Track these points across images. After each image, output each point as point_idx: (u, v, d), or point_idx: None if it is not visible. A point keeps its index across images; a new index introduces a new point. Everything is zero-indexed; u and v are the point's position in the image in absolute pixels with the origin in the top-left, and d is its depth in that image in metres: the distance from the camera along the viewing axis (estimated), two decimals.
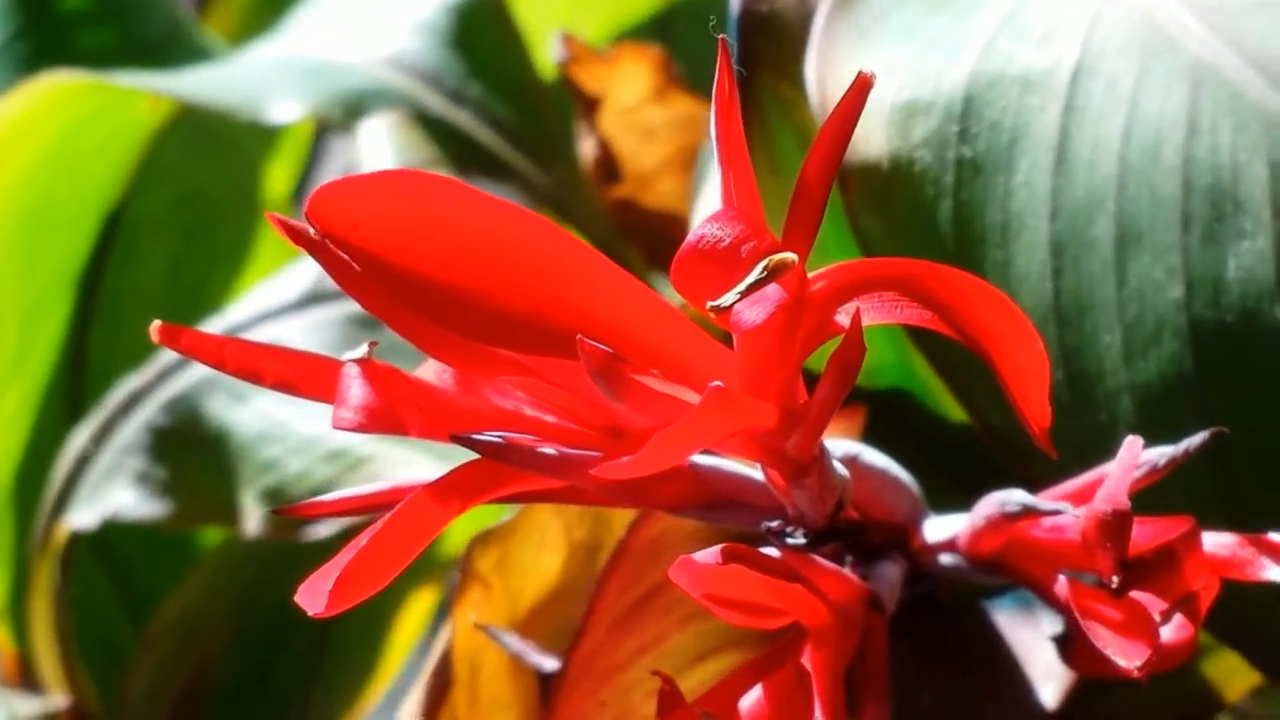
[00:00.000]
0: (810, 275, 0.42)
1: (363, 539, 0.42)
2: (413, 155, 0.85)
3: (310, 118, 0.92)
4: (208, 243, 1.05)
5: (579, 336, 0.40)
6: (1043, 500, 0.49)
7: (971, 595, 0.58)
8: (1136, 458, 0.46)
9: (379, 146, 0.86)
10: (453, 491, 0.44)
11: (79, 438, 0.87)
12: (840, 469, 0.47)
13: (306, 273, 0.85)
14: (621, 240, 0.86)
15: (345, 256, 0.40)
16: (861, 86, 0.41)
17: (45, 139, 0.97)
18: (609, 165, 0.86)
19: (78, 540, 0.88)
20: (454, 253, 0.40)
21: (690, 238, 0.40)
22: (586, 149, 0.86)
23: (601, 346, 0.40)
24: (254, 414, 0.82)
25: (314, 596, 0.41)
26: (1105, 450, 0.51)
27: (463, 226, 0.40)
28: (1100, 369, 0.55)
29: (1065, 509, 0.47)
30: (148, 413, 0.85)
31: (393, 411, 0.44)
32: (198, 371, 0.84)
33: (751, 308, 0.39)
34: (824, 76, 0.58)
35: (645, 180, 0.86)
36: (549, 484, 0.45)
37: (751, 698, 0.46)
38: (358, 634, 1.00)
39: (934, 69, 0.58)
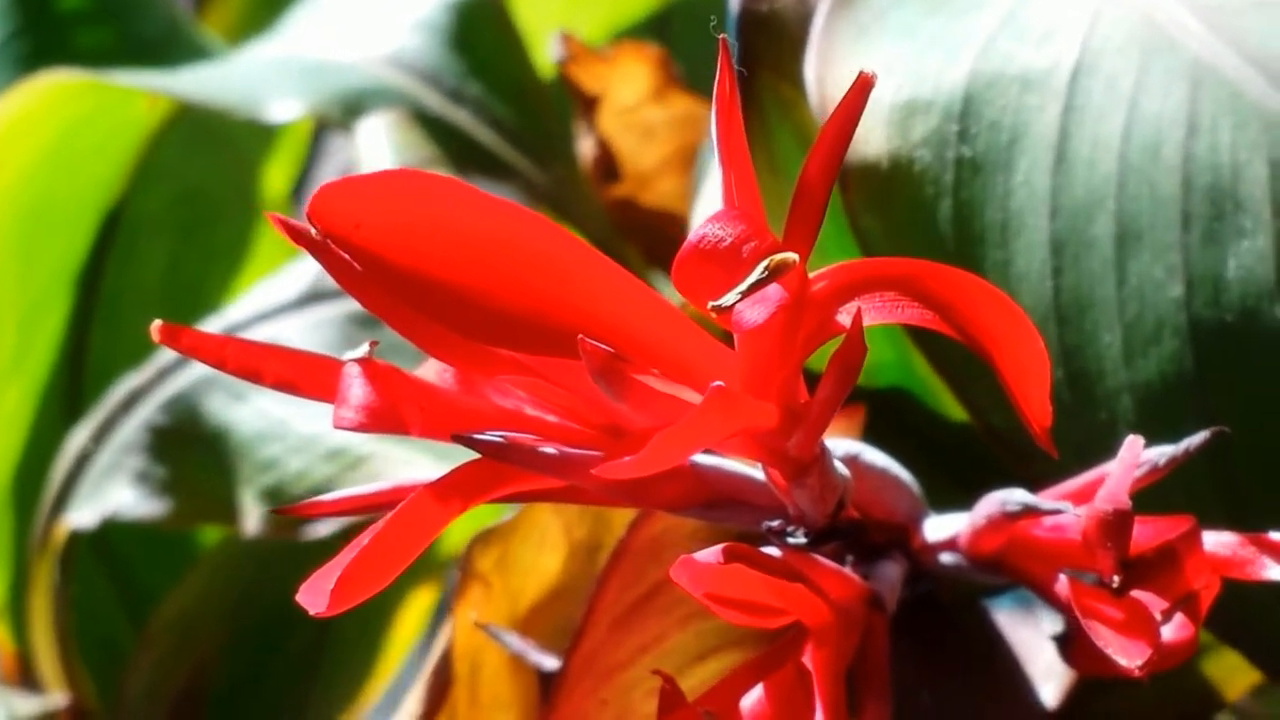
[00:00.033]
0: (811, 275, 0.42)
1: (364, 538, 0.42)
2: (411, 154, 0.85)
3: (309, 117, 0.92)
4: (206, 241, 1.05)
5: (580, 336, 0.40)
6: (1043, 499, 0.49)
7: (972, 594, 0.58)
8: (1138, 457, 0.46)
9: (378, 145, 0.86)
10: (454, 491, 0.44)
11: (78, 437, 0.87)
12: (841, 468, 0.47)
13: (306, 272, 0.85)
14: (620, 239, 0.86)
15: (346, 256, 0.40)
16: (863, 86, 0.41)
17: (44, 138, 0.97)
18: (608, 164, 0.86)
19: (77, 539, 0.88)
20: (455, 252, 0.40)
21: (691, 237, 0.40)
22: (585, 148, 0.86)
23: (602, 346, 0.40)
24: (253, 413, 0.82)
25: (315, 596, 0.41)
26: (1105, 449, 0.51)
27: (464, 226, 0.40)
28: (1100, 368, 0.55)
29: (1066, 508, 0.47)
30: (147, 411, 0.85)
31: (393, 411, 0.44)
32: (197, 370, 0.84)
33: (753, 308, 0.39)
34: (824, 76, 0.58)
35: (644, 179, 0.86)
36: (550, 483, 0.45)
37: (753, 697, 0.46)
38: (357, 633, 1.00)
39: (933, 68, 0.58)
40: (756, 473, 0.48)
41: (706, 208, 0.66)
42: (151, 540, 1.00)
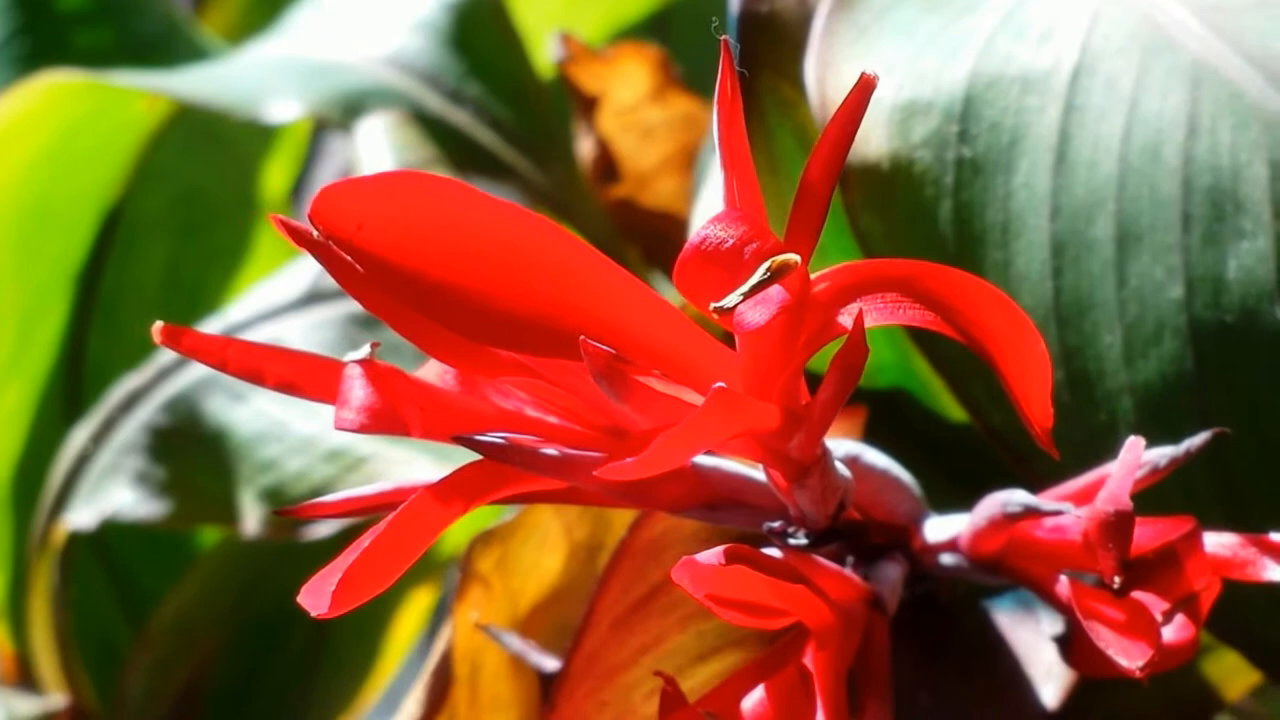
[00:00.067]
0: (812, 276, 0.42)
1: (365, 540, 0.42)
2: (411, 155, 0.85)
3: (308, 117, 0.92)
4: (205, 242, 1.05)
5: (582, 337, 0.40)
6: (1044, 500, 0.49)
7: (972, 595, 0.58)
8: (1139, 458, 0.46)
9: (377, 146, 0.86)
10: (455, 492, 0.44)
11: (78, 437, 0.87)
12: (842, 469, 0.47)
13: (305, 272, 0.85)
14: (620, 240, 0.86)
15: (348, 258, 0.40)
16: (864, 88, 0.41)
17: (43, 138, 0.97)
18: (607, 165, 0.86)
19: (76, 540, 0.88)
20: (457, 254, 0.40)
21: (693, 239, 0.40)
22: (585, 149, 0.86)
23: (604, 347, 0.40)
24: (253, 413, 0.82)
25: (317, 597, 0.41)
26: (1105, 450, 0.51)
27: (466, 228, 0.40)
28: (1100, 369, 0.55)
29: (1067, 509, 0.47)
30: (147, 412, 0.85)
31: (395, 412, 0.44)
32: (196, 371, 0.84)
33: (755, 309, 0.39)
34: (824, 76, 0.58)
35: (644, 180, 0.86)
36: (551, 484, 0.45)
37: (754, 698, 0.46)
38: (355, 633, 1.00)
39: (933, 68, 0.58)
40: (757, 474, 0.48)
41: (707, 208, 0.66)
42: (150, 541, 1.00)
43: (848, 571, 0.48)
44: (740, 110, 0.42)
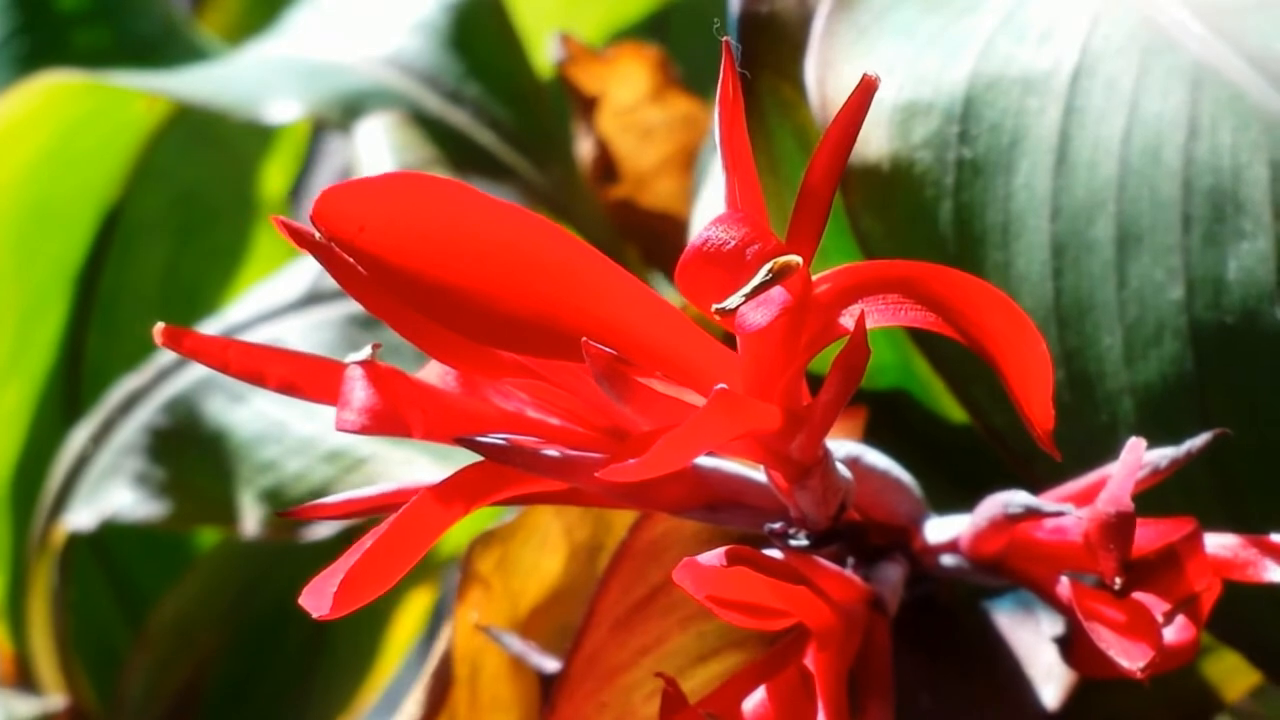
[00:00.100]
0: (814, 278, 0.42)
1: (367, 541, 0.42)
2: (410, 155, 0.85)
3: (307, 118, 0.92)
4: (204, 242, 1.05)
5: (583, 339, 0.40)
6: (1045, 501, 0.49)
7: (972, 596, 0.58)
8: (1140, 459, 0.46)
9: (376, 147, 0.86)
10: (456, 494, 0.44)
11: (77, 438, 0.87)
12: (843, 470, 0.47)
13: (305, 273, 0.85)
14: (619, 240, 0.86)
15: (350, 259, 0.40)
16: (866, 89, 0.41)
17: (42, 139, 0.97)
18: (607, 165, 0.86)
19: (76, 541, 0.88)
20: (459, 255, 0.40)
21: (695, 240, 0.40)
22: (584, 149, 0.86)
23: (606, 349, 0.40)
24: (252, 414, 0.82)
25: (319, 598, 0.41)
26: (1106, 451, 0.51)
27: (468, 229, 0.40)
28: (1101, 370, 0.55)
29: (1068, 510, 0.47)
30: (146, 413, 0.85)
31: (396, 414, 0.44)
32: (196, 372, 0.84)
33: (756, 310, 0.39)
34: (824, 77, 0.58)
35: (643, 180, 0.86)
36: (552, 485, 0.45)
37: (755, 699, 0.46)
38: (353, 634, 1.00)
39: (934, 69, 0.58)
40: (758, 475, 0.48)
41: (707, 209, 0.66)
42: (150, 542, 1.00)
43: (848, 573, 0.48)
44: (742, 111, 0.42)
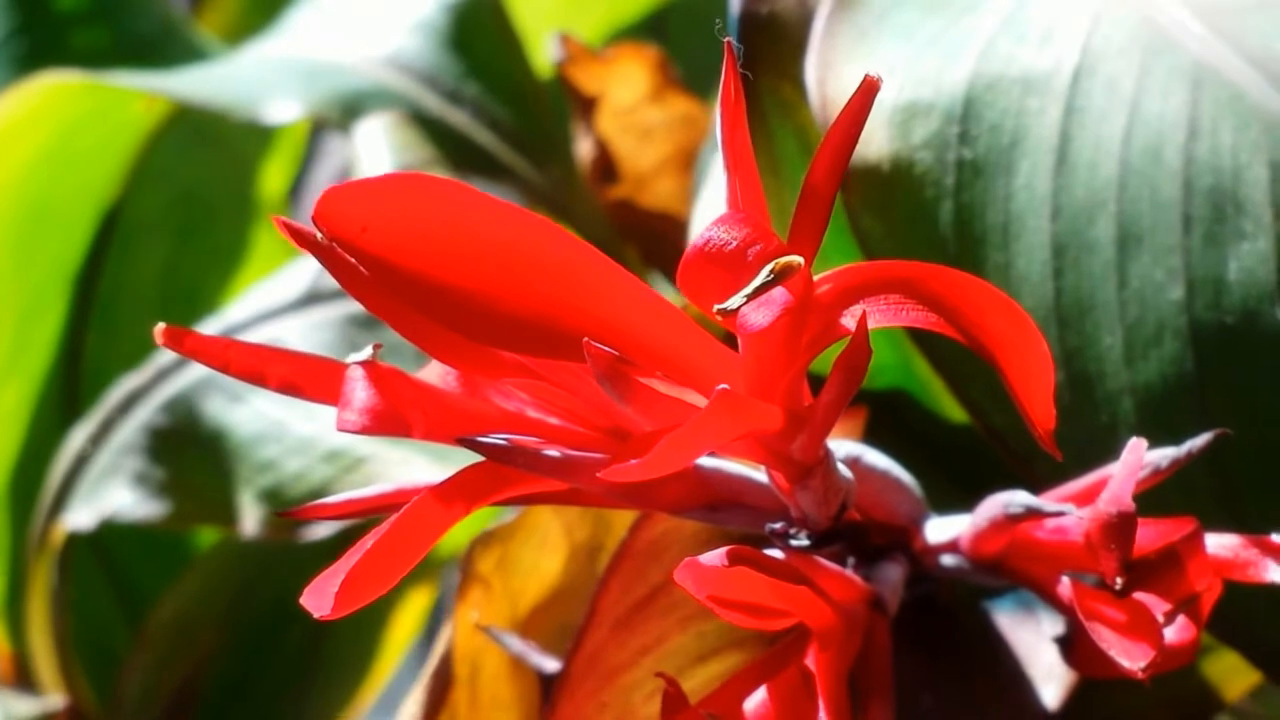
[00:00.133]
0: (815, 278, 0.42)
1: (368, 541, 0.42)
2: (409, 155, 0.85)
3: (307, 117, 0.91)
4: (203, 242, 1.05)
5: (585, 339, 0.40)
6: (1046, 501, 0.49)
7: (973, 596, 0.58)
8: (1141, 459, 0.46)
9: (375, 146, 0.86)
10: (458, 494, 0.44)
11: (76, 438, 0.87)
12: (844, 471, 0.47)
13: (304, 273, 0.85)
14: (618, 240, 0.86)
15: (352, 260, 0.40)
16: (868, 90, 0.41)
17: (41, 139, 0.97)
18: (606, 165, 0.86)
19: (75, 541, 0.88)
20: (461, 256, 0.40)
21: (697, 240, 0.40)
22: (584, 149, 0.86)
23: (608, 349, 0.40)
24: (252, 414, 0.82)
25: (320, 598, 0.41)
26: (1106, 451, 0.51)
27: (470, 230, 0.40)
28: (1101, 370, 0.55)
29: (1069, 510, 0.47)
30: (145, 413, 0.85)
31: (397, 414, 0.44)
32: (195, 372, 0.84)
33: (758, 311, 0.39)
34: (824, 78, 0.58)
35: (642, 180, 0.86)
36: (553, 486, 0.45)
37: (756, 699, 0.46)
38: (352, 633, 1.00)
39: (934, 70, 0.58)
40: (759, 475, 0.48)
41: (707, 210, 0.66)
42: (149, 542, 1.00)
43: (849, 573, 0.48)
44: (744, 112, 0.42)
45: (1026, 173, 0.56)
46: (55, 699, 0.92)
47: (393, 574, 0.42)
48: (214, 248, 1.06)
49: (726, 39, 0.42)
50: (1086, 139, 0.56)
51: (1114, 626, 0.45)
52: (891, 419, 0.61)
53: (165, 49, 1.05)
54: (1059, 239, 0.55)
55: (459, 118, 0.91)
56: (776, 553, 0.45)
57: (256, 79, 0.93)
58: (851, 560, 0.50)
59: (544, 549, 0.58)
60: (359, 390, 0.44)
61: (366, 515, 0.47)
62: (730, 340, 0.42)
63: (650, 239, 0.85)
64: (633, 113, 0.86)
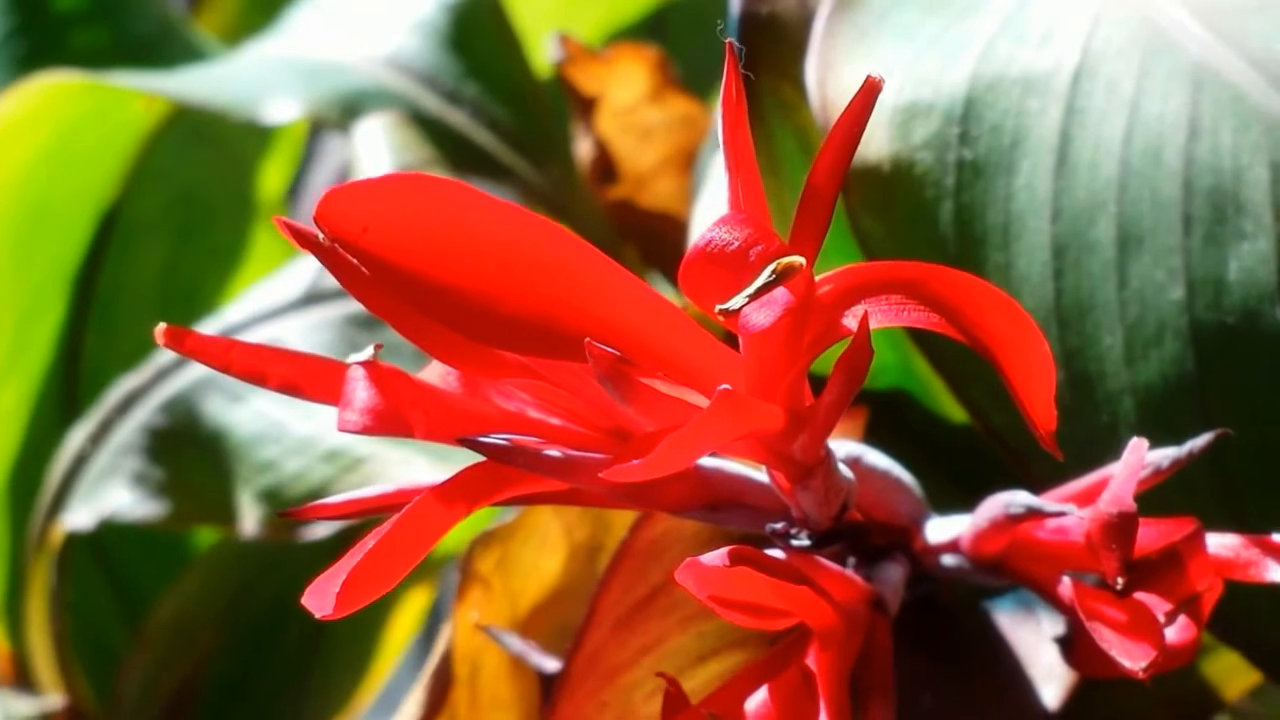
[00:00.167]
0: (817, 279, 0.42)
1: (369, 541, 0.42)
2: (409, 155, 0.85)
3: (306, 117, 0.91)
4: (202, 242, 1.05)
5: (587, 339, 0.40)
6: (1046, 501, 0.49)
7: (973, 596, 0.58)
8: (1142, 460, 0.46)
9: (375, 147, 0.86)
10: (459, 494, 0.44)
11: (75, 438, 0.87)
12: (845, 471, 0.47)
13: (304, 273, 0.85)
14: (618, 240, 0.86)
15: (353, 260, 0.40)
16: (869, 90, 0.41)
17: (40, 139, 0.97)
18: (606, 165, 0.86)
19: (74, 541, 0.88)
20: (462, 256, 0.40)
21: (698, 240, 0.40)
22: (583, 149, 0.86)
23: (609, 350, 0.40)
24: (251, 414, 0.82)
25: (321, 599, 0.41)
26: (1107, 451, 0.51)
27: (471, 230, 0.40)
28: (1101, 370, 0.55)
29: (1069, 510, 0.47)
30: (145, 413, 0.85)
31: (398, 414, 0.44)
32: (195, 372, 0.84)
33: (759, 311, 0.39)
34: (825, 79, 0.58)
35: (642, 180, 0.86)
36: (553, 486, 0.46)
37: (757, 699, 0.46)
38: (351, 633, 1.00)
39: (934, 70, 0.58)
40: (759, 475, 0.48)
41: (708, 210, 0.66)
42: (147, 542, 1.00)
43: (850, 573, 0.48)
44: (745, 112, 0.42)
45: (1027, 173, 0.56)
46: (54, 699, 0.92)
47: (394, 574, 0.42)
48: (213, 248, 1.06)
49: (728, 39, 0.42)
50: (1087, 140, 0.56)
51: (1115, 626, 0.45)
52: (892, 419, 0.61)
53: (164, 49, 1.05)
54: (1059, 239, 0.55)
55: (458, 118, 0.91)
56: (777, 553, 0.45)
57: (256, 79, 0.93)
58: (852, 560, 0.50)
59: (544, 549, 0.59)
60: (360, 390, 0.44)
61: (366, 515, 0.47)
62: (731, 341, 0.42)
63: (650, 239, 0.85)
64: (632, 113, 0.86)
